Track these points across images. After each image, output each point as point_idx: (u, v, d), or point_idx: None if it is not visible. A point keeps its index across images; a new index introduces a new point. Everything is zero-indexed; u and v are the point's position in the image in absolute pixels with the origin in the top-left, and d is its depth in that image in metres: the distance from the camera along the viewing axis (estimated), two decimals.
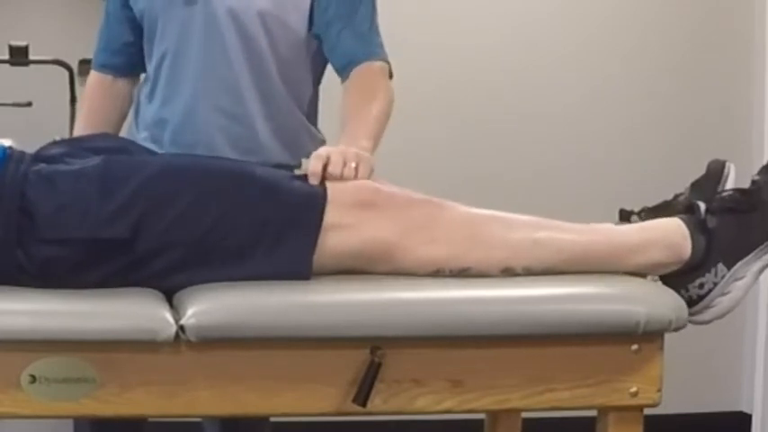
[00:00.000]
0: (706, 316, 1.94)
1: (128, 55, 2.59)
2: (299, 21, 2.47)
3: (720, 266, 1.92)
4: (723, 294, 1.92)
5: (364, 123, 2.32)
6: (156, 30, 2.49)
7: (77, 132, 2.61)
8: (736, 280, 1.92)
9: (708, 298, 1.92)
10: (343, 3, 2.46)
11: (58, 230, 1.80)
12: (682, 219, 1.96)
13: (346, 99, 2.42)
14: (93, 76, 2.64)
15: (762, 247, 1.93)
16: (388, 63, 2.47)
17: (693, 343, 3.11)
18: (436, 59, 3.86)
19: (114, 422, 2.28)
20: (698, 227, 1.93)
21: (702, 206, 1.95)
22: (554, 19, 4.00)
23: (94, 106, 2.63)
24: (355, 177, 1.95)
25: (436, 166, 3.84)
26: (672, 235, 1.94)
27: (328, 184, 1.91)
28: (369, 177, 1.98)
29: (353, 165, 1.97)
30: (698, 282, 1.91)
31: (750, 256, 1.93)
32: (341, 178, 1.94)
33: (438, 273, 1.90)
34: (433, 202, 1.94)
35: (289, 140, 2.50)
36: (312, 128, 2.56)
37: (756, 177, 1.99)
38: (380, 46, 2.49)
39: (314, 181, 1.92)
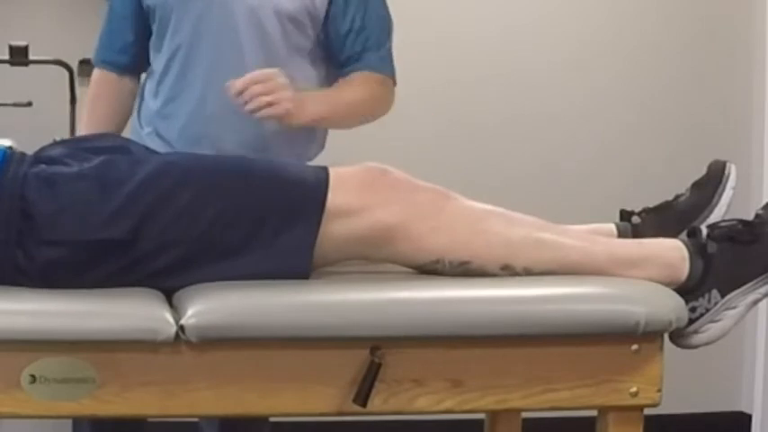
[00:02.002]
0: (693, 341, 1.92)
1: (132, 53, 2.59)
2: (314, 23, 2.46)
3: (714, 293, 1.91)
4: (713, 321, 1.91)
5: (331, 92, 2.43)
6: (169, 24, 2.48)
7: (83, 130, 2.62)
8: (728, 309, 1.91)
9: (698, 323, 1.91)
10: (359, 13, 2.46)
11: (58, 232, 1.80)
12: (682, 241, 1.95)
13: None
14: (98, 73, 2.64)
15: (759, 279, 1.92)
16: (394, 80, 2.49)
17: None
18: (436, 59, 3.86)
19: (113, 422, 2.28)
20: (697, 250, 1.92)
21: (704, 230, 1.94)
22: (554, 19, 4.00)
23: (100, 104, 2.63)
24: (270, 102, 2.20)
25: (436, 167, 3.82)
26: (671, 255, 1.93)
27: (332, 170, 1.90)
28: (285, 111, 2.28)
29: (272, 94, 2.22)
30: (690, 305, 1.90)
31: (746, 287, 1.92)
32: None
33: (437, 263, 1.90)
34: (439, 191, 1.94)
35: (296, 141, 2.50)
36: (319, 130, 2.55)
37: (761, 212, 1.98)
38: (392, 65, 2.50)
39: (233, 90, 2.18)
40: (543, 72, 3.99)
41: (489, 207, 1.95)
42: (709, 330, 1.91)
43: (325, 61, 2.53)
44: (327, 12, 2.47)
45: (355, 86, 2.46)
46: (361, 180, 1.89)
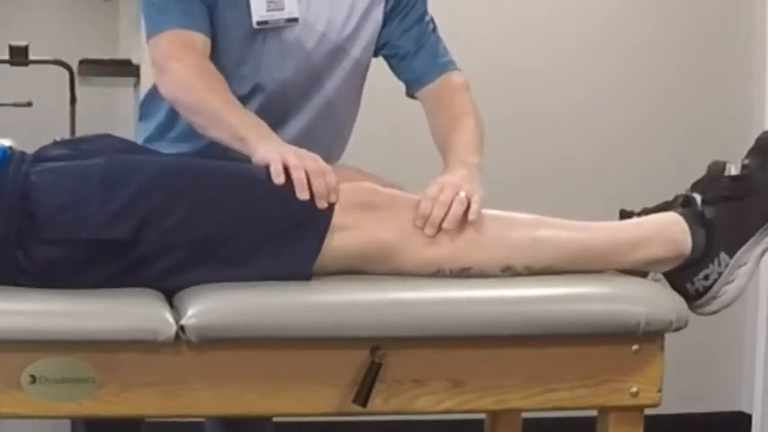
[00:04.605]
0: (714, 306, 1.95)
1: (207, 20, 2.21)
2: (365, 49, 2.39)
3: (723, 255, 1.93)
4: (728, 283, 1.93)
5: (468, 138, 2.22)
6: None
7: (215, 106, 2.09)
8: (740, 266, 1.93)
9: (714, 288, 1.93)
10: (413, 26, 2.40)
11: (59, 231, 1.80)
12: (679, 213, 1.96)
13: (438, 117, 2.33)
14: (178, 36, 2.15)
15: (761, 230, 1.94)
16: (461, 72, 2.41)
17: (693, 343, 3.11)
18: None
19: (111, 423, 2.27)
20: (696, 219, 1.94)
21: (698, 198, 1.96)
22: (554, 19, 4.00)
23: (207, 66, 2.14)
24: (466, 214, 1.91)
25: (437, 167, 3.83)
26: (671, 230, 1.94)
27: None
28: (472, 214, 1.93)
29: (461, 204, 1.92)
30: (702, 274, 1.92)
31: (750, 241, 1.94)
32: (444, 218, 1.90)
33: (438, 273, 1.90)
34: None
35: (318, 150, 2.41)
36: (343, 136, 2.48)
37: (746, 161, 2.00)
38: (451, 59, 2.43)
39: (429, 231, 1.88)
40: (543, 72, 3.99)
41: (484, 211, 1.95)
42: (727, 292, 1.94)
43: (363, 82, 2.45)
44: (379, 31, 2.38)
45: (458, 109, 2.33)
46: (355, 199, 1.89)
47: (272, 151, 1.95)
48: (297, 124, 2.31)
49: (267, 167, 1.91)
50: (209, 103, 2.10)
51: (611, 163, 4.01)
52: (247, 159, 1.98)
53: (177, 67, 2.15)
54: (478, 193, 1.97)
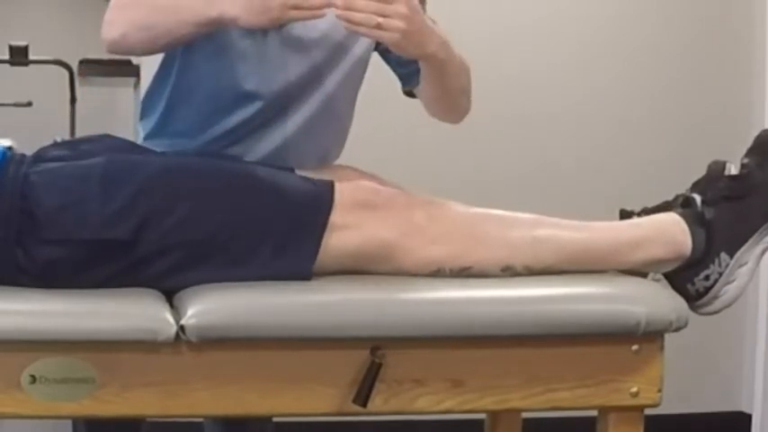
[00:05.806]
0: (715, 306, 1.95)
1: None
2: (367, 47, 2.38)
3: (723, 255, 1.93)
4: (729, 283, 1.94)
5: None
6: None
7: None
8: (741, 266, 1.94)
9: (715, 288, 1.93)
10: None
11: (59, 231, 1.80)
12: (679, 213, 1.96)
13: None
14: None
15: (761, 230, 1.94)
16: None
17: (693, 343, 3.11)
18: None
19: (112, 423, 2.27)
20: (696, 220, 1.94)
21: (698, 198, 1.96)
22: (555, 20, 4.00)
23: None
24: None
25: (437, 167, 3.84)
26: (671, 230, 1.94)
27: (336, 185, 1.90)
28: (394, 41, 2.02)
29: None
30: (703, 274, 1.92)
31: (751, 240, 1.94)
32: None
33: (438, 272, 1.90)
34: (432, 203, 1.95)
35: (319, 144, 2.41)
36: (343, 131, 2.47)
37: (745, 160, 2.00)
38: None
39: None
40: (543, 72, 3.99)
41: (484, 210, 1.96)
42: (728, 292, 1.94)
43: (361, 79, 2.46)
44: None
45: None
46: (356, 198, 1.89)
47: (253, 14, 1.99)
48: (296, 121, 2.30)
49: (264, 167, 1.91)
50: (158, 18, 2.13)
51: (611, 163, 4.02)
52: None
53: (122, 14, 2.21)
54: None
